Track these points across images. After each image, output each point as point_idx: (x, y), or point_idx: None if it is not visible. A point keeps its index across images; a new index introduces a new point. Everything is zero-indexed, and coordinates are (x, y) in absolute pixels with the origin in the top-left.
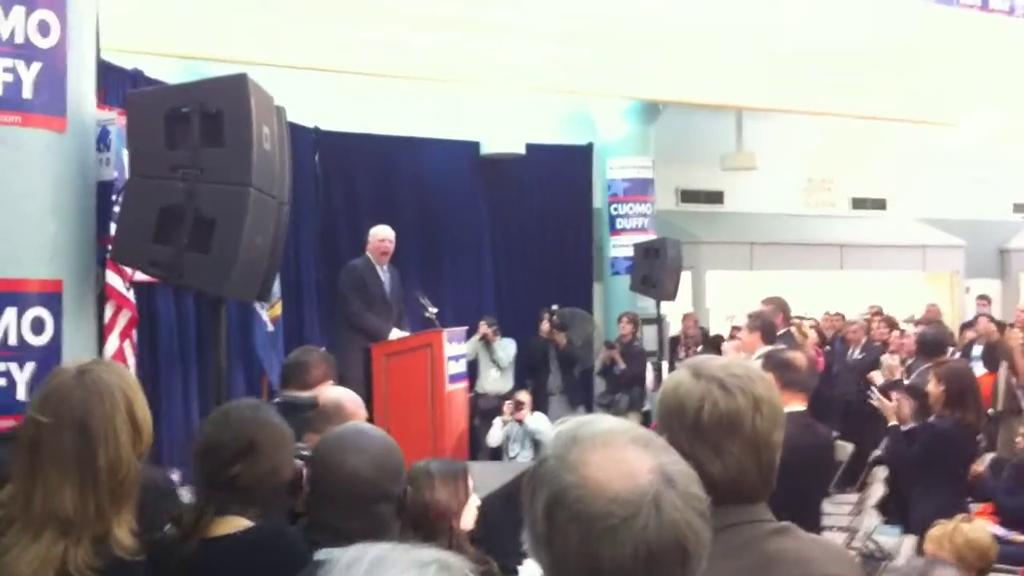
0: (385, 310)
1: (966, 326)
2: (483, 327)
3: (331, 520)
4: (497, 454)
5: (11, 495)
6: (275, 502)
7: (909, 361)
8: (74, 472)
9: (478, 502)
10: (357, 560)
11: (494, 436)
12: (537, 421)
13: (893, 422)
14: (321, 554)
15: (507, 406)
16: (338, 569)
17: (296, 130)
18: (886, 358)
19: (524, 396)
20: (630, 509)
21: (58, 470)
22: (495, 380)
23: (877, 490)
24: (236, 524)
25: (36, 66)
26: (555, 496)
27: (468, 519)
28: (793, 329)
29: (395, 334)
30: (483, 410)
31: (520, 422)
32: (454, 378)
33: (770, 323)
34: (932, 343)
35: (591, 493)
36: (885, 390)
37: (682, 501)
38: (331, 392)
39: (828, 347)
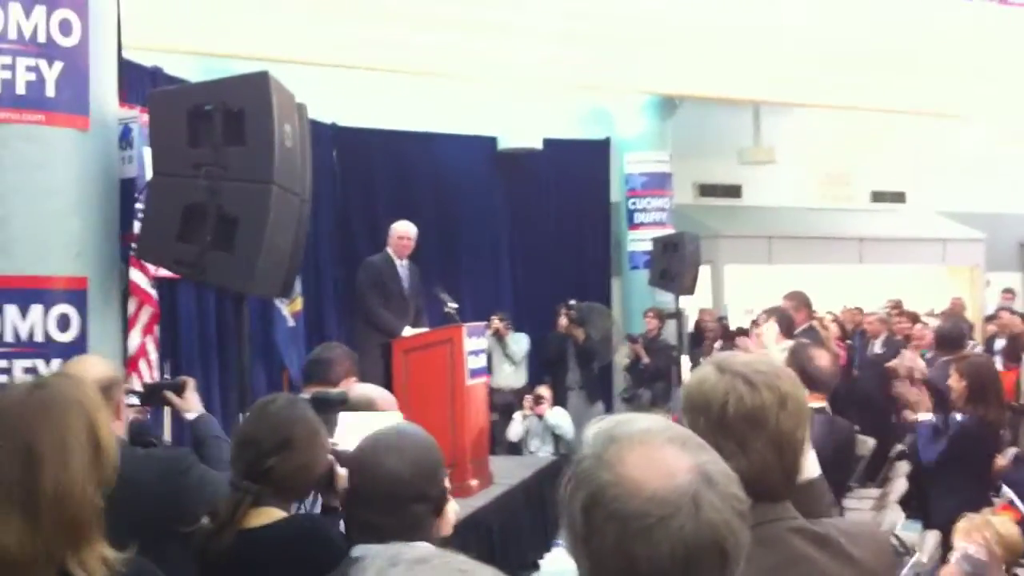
0: (402, 306)
1: (989, 319)
2: (495, 322)
3: (367, 517)
4: (516, 448)
5: None
6: (307, 495)
7: (928, 354)
8: (17, 502)
9: (456, 508)
10: (398, 557)
11: (514, 431)
12: (557, 416)
13: (916, 416)
14: (357, 550)
15: (527, 400)
16: (378, 566)
17: (314, 126)
18: (907, 354)
19: (544, 391)
20: (668, 508)
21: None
22: (509, 375)
23: (899, 485)
24: (272, 515)
25: (58, 65)
26: (593, 495)
27: (447, 525)
28: (815, 323)
29: (408, 332)
30: (498, 405)
31: (540, 416)
32: (474, 373)
33: (788, 316)
34: (949, 337)
35: (628, 492)
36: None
37: (721, 501)
38: (362, 388)
39: (849, 341)
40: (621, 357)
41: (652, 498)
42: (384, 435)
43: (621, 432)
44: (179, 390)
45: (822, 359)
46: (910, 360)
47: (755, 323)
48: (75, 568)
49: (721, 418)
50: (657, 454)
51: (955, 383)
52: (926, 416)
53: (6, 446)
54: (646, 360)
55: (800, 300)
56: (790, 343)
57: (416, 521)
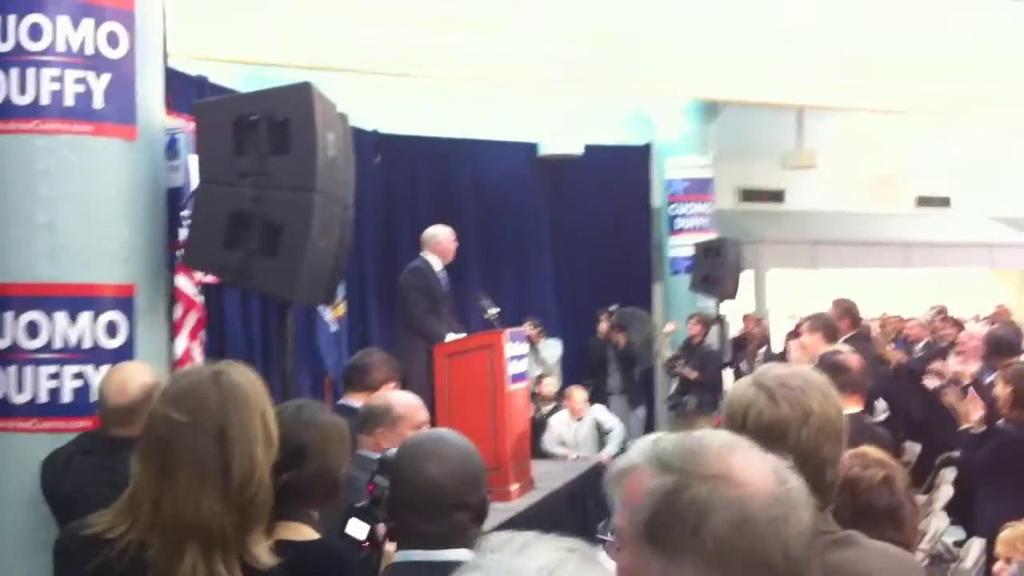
0: (448, 311)
1: None
2: (527, 328)
3: (409, 523)
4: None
5: (132, 500)
6: (335, 497)
7: (974, 368)
8: (212, 478)
9: (392, 548)
10: (507, 543)
11: (550, 439)
12: (599, 411)
13: (966, 425)
14: (399, 556)
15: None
16: (485, 549)
17: (356, 133)
18: (949, 362)
19: (579, 393)
20: (788, 505)
21: (193, 475)
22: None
23: (946, 492)
24: (299, 531)
25: (106, 77)
26: (730, 517)
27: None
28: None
29: (450, 337)
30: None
31: (580, 418)
32: (515, 378)
33: (831, 324)
34: (1002, 343)
35: (747, 494)
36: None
37: (806, 498)
38: (385, 394)
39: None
40: (663, 350)
41: (775, 498)
42: (425, 441)
43: (703, 445)
44: None
45: (851, 361)
46: (955, 366)
47: (795, 331)
48: (253, 547)
49: (741, 430)
50: (747, 458)
51: (1001, 390)
52: (975, 424)
53: (201, 425)
54: (693, 375)
55: (845, 307)
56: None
57: (459, 529)
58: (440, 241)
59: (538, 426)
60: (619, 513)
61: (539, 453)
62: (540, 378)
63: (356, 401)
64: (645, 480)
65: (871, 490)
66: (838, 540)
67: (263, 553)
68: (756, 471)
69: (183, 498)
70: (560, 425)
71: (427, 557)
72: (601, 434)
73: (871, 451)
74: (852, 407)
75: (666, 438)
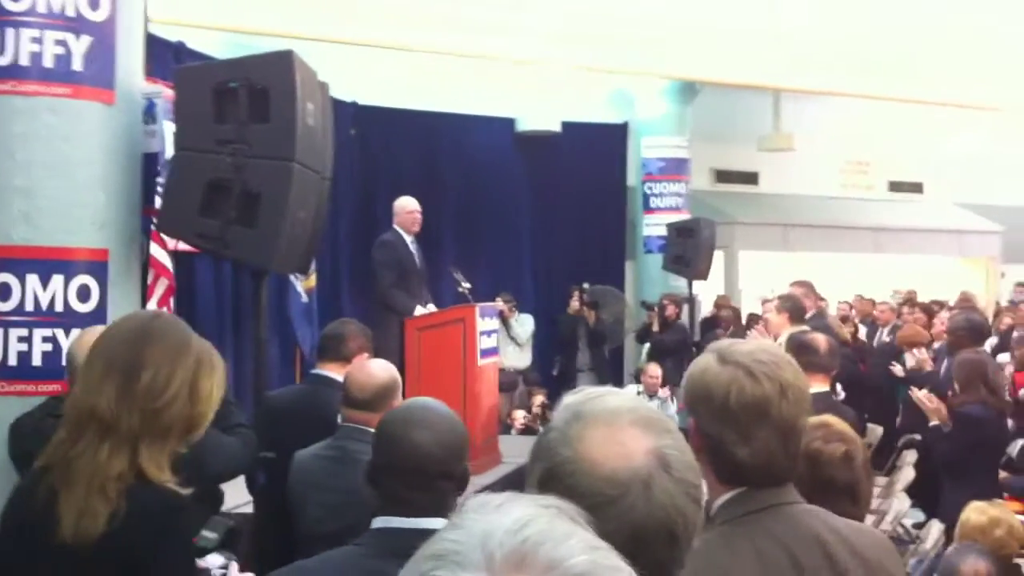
0: (417, 284)
1: (1004, 311)
2: (499, 303)
3: (395, 491)
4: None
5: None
6: None
7: (936, 345)
8: (119, 371)
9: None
10: (484, 503)
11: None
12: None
13: (934, 422)
14: (378, 521)
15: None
16: (466, 510)
17: (334, 104)
18: (915, 352)
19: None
20: (619, 489)
21: (104, 368)
22: (513, 356)
23: (907, 474)
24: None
25: (86, 39)
26: (551, 469)
27: None
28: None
29: (419, 311)
30: (502, 384)
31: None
32: (486, 353)
33: (799, 305)
34: (969, 332)
35: (584, 470)
36: (913, 382)
37: (674, 485)
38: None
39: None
40: (632, 323)
41: (607, 478)
42: (411, 409)
43: (587, 410)
44: None
45: (819, 342)
46: (918, 365)
47: (764, 312)
48: (145, 459)
49: (723, 408)
50: (618, 435)
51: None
52: (943, 422)
53: (124, 328)
54: (656, 329)
55: (809, 287)
56: (799, 329)
57: (442, 498)
58: (397, 212)
59: None
60: None
61: None
62: None
63: (331, 371)
64: None
65: (832, 464)
66: (809, 511)
67: (155, 468)
68: (610, 448)
69: (92, 385)
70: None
71: (408, 524)
72: None
73: (833, 421)
74: (819, 386)
75: (575, 395)
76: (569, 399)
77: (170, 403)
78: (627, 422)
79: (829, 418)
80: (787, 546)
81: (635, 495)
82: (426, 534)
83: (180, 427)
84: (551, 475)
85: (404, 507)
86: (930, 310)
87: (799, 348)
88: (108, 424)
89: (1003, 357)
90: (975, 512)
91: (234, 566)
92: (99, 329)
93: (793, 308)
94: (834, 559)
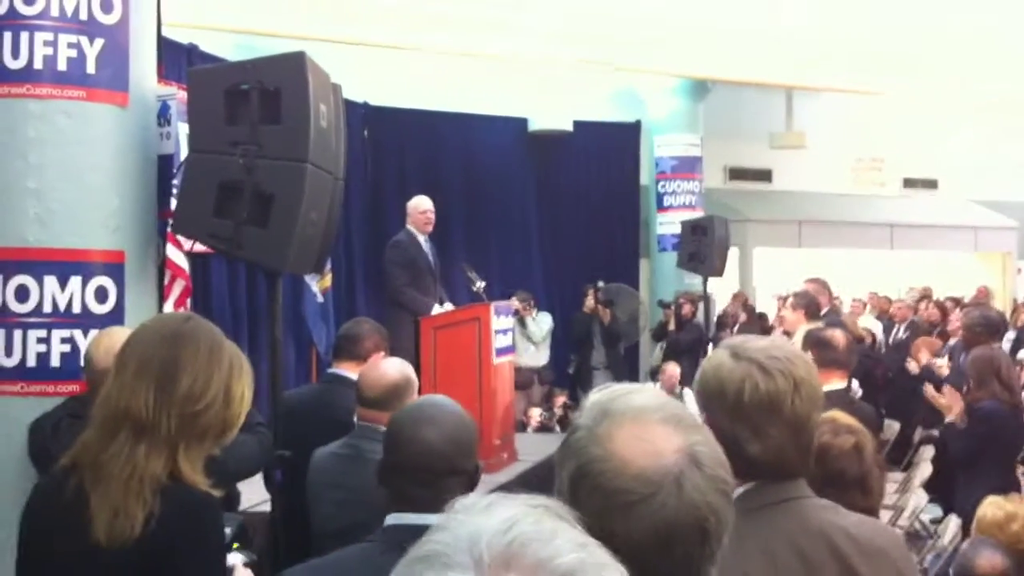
0: (430, 284)
1: (1022, 307)
2: (515, 302)
3: (403, 489)
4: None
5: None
6: None
7: (952, 342)
8: (153, 377)
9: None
10: (473, 504)
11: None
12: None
13: (949, 418)
14: (391, 518)
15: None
16: (454, 511)
17: (346, 105)
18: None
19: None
20: (650, 488)
21: (139, 369)
22: (531, 354)
23: (924, 469)
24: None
25: (99, 42)
26: (581, 467)
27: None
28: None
29: (436, 310)
30: (518, 383)
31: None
32: (501, 351)
33: (815, 302)
34: (984, 328)
35: (615, 468)
36: (928, 379)
37: (705, 482)
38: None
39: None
40: (647, 321)
41: (637, 476)
42: (421, 407)
43: (616, 407)
44: None
45: (837, 338)
46: (928, 363)
47: (779, 309)
48: (182, 461)
49: (736, 404)
50: (647, 433)
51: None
52: (958, 418)
53: (159, 330)
54: (672, 328)
55: (822, 284)
56: (815, 325)
57: (450, 495)
58: (411, 212)
59: None
60: None
61: None
62: None
63: (346, 370)
64: None
65: (842, 457)
66: (824, 506)
67: (191, 470)
68: (640, 446)
69: (126, 386)
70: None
71: (420, 520)
72: None
73: (840, 416)
74: (836, 383)
75: (601, 393)
76: (596, 397)
77: (208, 407)
78: (656, 420)
79: (836, 413)
80: (795, 542)
81: (666, 493)
82: (426, 540)
83: (216, 430)
84: (581, 473)
85: (414, 504)
86: (944, 307)
87: (817, 344)
88: (145, 425)
89: (1023, 354)
90: (992, 507)
91: (239, 565)
92: (117, 330)
93: (808, 304)
94: (841, 554)
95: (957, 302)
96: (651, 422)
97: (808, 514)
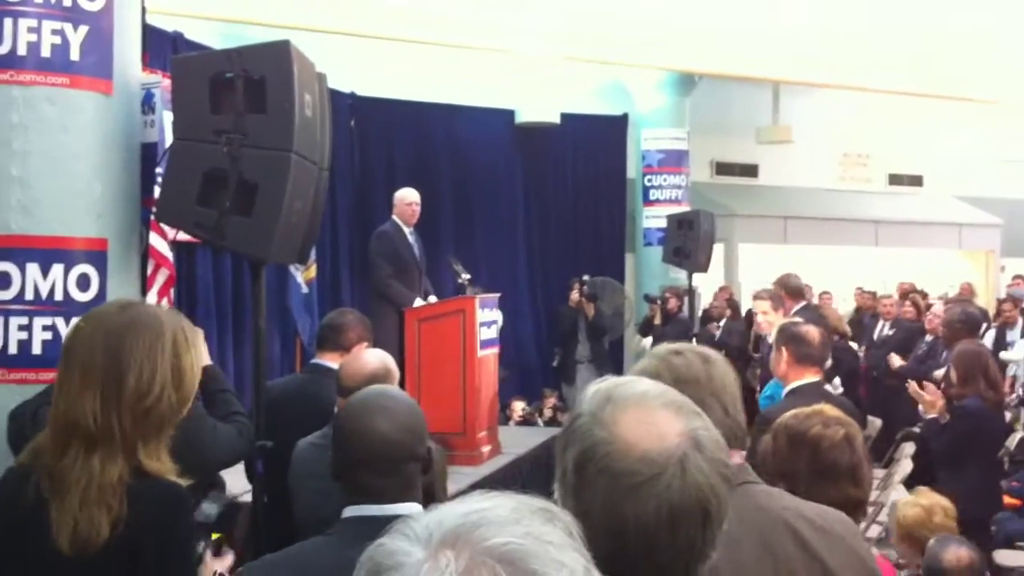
0: (416, 276)
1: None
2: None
3: (364, 481)
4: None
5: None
6: None
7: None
8: (98, 382)
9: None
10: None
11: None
12: None
13: (931, 415)
14: (349, 510)
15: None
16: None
17: (332, 95)
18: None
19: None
20: (655, 468)
21: (83, 378)
22: None
23: (905, 466)
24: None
25: (83, 29)
26: (586, 451)
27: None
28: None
29: (418, 303)
30: None
31: None
32: (485, 344)
33: (777, 295)
34: (964, 325)
35: (620, 450)
36: (910, 375)
37: (708, 464)
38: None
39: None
40: (632, 315)
41: (642, 458)
42: (369, 399)
43: (619, 394)
44: None
45: (812, 333)
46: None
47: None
48: (144, 456)
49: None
50: (650, 417)
51: (953, 373)
52: (940, 414)
53: (99, 332)
54: (658, 322)
55: (787, 282)
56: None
57: (410, 481)
58: (397, 203)
59: None
60: None
61: None
62: None
63: (330, 361)
64: None
65: (835, 448)
66: (768, 491)
67: (155, 462)
68: (644, 429)
69: (72, 397)
70: None
71: (380, 511)
72: None
73: (828, 408)
74: (810, 377)
75: (602, 382)
76: (597, 385)
77: (159, 398)
78: (658, 405)
79: (822, 406)
80: (759, 529)
81: (671, 474)
82: (397, 520)
83: (172, 415)
84: (586, 457)
85: (374, 495)
86: (917, 304)
87: (791, 339)
88: (95, 437)
89: (1006, 354)
90: (908, 507)
91: (209, 553)
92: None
93: (779, 298)
94: (800, 538)
95: (926, 297)
96: (654, 407)
97: (760, 500)
